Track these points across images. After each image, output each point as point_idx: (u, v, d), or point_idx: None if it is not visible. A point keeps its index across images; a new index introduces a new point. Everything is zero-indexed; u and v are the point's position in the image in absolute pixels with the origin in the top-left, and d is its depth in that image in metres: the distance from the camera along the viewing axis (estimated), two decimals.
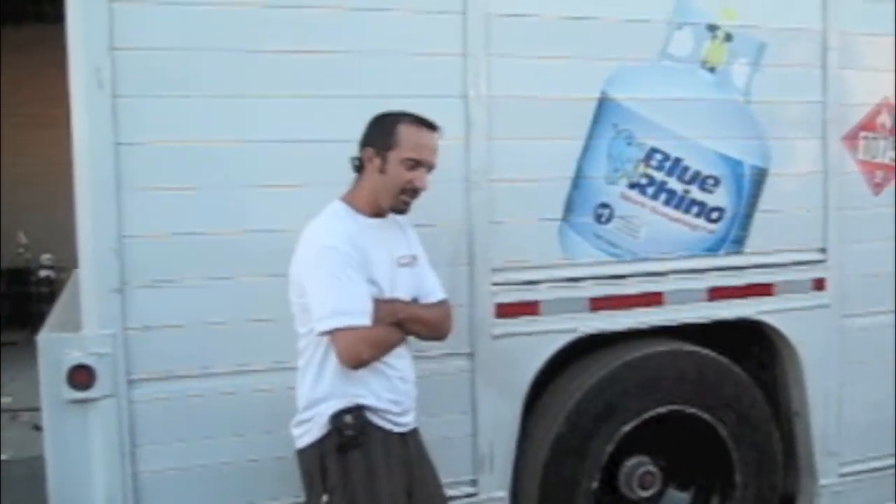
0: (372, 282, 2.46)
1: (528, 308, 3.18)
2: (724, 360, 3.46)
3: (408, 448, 2.58)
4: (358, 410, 2.44)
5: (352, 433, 2.41)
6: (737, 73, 3.43)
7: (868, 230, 3.70)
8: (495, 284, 3.13)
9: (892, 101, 3.70)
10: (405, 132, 2.49)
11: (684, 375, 3.37)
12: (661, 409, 3.35)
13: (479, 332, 3.12)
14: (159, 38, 2.74)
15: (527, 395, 3.20)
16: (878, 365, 3.73)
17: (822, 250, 3.61)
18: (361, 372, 2.44)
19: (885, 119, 3.70)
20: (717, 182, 3.39)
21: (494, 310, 3.13)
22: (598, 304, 3.24)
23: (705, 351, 3.45)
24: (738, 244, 3.47)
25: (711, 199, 3.39)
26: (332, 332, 2.38)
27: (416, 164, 2.49)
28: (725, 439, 3.45)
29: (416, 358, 2.70)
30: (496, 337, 3.14)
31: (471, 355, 3.12)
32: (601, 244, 3.27)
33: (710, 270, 3.42)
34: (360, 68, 2.93)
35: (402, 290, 2.55)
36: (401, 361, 2.57)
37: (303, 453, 2.52)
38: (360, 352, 2.39)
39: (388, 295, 2.50)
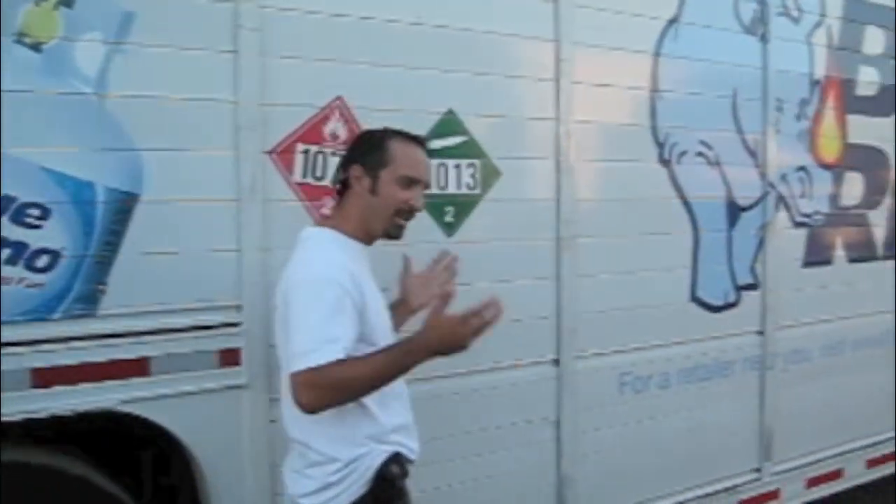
0: (366, 322, 2.16)
1: None
2: (76, 474, 2.38)
3: None
4: (398, 456, 2.24)
5: (403, 483, 2.26)
6: (82, 54, 2.35)
7: None
8: None
9: (349, 101, 2.73)
10: (398, 148, 2.28)
11: None
12: None
13: None
14: None
15: None
16: None
17: (237, 308, 2.58)
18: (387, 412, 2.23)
19: (337, 127, 2.72)
20: (46, 213, 2.30)
21: None
22: None
23: (36, 461, 2.35)
24: (89, 303, 2.38)
25: (36, 239, 2.29)
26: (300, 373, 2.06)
27: (411, 182, 2.28)
28: None
29: None
30: None
31: None
32: None
33: (36, 343, 2.31)
34: None
35: (388, 321, 2.35)
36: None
37: None
38: (315, 396, 2.06)
39: (388, 327, 2.32)
